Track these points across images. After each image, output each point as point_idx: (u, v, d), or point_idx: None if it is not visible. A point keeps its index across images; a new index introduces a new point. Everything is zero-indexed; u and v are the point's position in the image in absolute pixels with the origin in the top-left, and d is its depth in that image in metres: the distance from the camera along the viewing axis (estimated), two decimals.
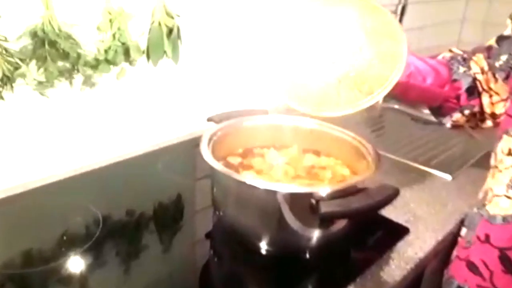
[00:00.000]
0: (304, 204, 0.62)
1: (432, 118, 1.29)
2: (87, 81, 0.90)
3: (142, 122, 1.02)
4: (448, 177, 0.98)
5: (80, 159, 0.93)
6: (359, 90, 0.72)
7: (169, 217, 0.84)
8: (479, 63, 0.83)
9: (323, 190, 0.62)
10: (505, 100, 0.80)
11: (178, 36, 0.97)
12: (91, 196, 0.84)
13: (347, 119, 1.26)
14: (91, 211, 0.79)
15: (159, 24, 0.93)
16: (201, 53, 1.08)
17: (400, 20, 1.35)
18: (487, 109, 0.84)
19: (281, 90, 0.79)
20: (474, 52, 0.86)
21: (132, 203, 0.83)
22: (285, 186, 0.67)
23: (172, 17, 0.94)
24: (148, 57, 0.94)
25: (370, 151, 0.74)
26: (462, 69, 0.83)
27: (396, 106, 1.38)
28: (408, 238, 0.77)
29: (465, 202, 0.89)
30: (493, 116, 0.84)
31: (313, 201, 0.61)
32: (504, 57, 0.78)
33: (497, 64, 0.80)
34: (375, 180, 0.66)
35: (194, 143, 1.06)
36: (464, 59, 0.85)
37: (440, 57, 0.88)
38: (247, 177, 0.70)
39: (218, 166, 0.67)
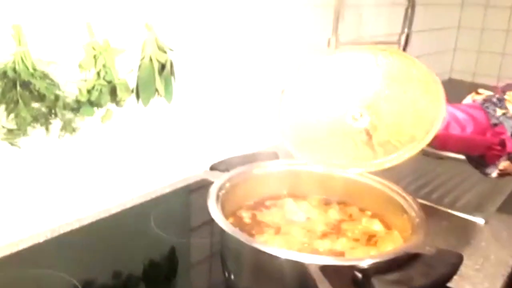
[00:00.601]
0: (343, 278, 0.50)
1: (445, 153, 1.22)
2: (67, 126, 0.77)
3: (131, 171, 0.89)
4: (480, 221, 0.87)
5: (57, 218, 0.79)
6: (392, 144, 0.62)
7: (162, 275, 0.71)
8: None
9: (368, 260, 0.49)
10: None
11: (172, 72, 0.85)
12: (70, 262, 0.70)
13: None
14: (66, 280, 0.65)
15: (150, 59, 0.82)
16: (197, 91, 0.96)
17: (404, 49, 1.27)
18: None
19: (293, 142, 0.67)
20: (504, 90, 0.77)
21: (118, 264, 0.71)
22: (317, 258, 0.53)
23: (165, 51, 0.83)
24: (137, 96, 0.82)
25: (410, 202, 0.63)
26: (500, 112, 0.74)
27: None
28: None
29: (507, 251, 0.78)
30: None
31: (358, 275, 0.49)
32: None
33: None
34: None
35: (188, 190, 0.94)
36: (499, 100, 0.76)
37: (468, 101, 0.80)
38: (268, 246, 0.57)
39: (231, 229, 0.55)
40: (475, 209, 0.92)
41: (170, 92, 0.87)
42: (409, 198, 0.64)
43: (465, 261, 0.74)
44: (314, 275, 0.50)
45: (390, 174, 1.08)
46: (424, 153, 1.23)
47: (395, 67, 0.67)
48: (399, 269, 0.49)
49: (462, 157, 1.17)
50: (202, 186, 0.95)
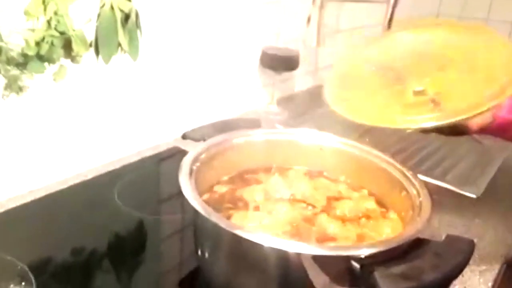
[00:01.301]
0: (338, 269, 0.42)
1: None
2: (12, 84, 0.65)
3: (91, 137, 0.78)
4: (472, 195, 0.82)
5: (4, 191, 0.69)
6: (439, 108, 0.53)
7: (129, 251, 0.63)
8: None
9: (367, 249, 0.42)
10: None
11: (137, 24, 0.73)
12: (19, 242, 0.61)
13: (330, 125, 1.11)
14: (13, 265, 0.55)
15: (112, 7, 0.70)
16: (167, 46, 0.85)
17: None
18: None
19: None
20: None
21: (79, 240, 0.62)
22: (306, 246, 0.45)
23: None
24: (97, 51, 0.71)
25: (410, 178, 0.55)
26: None
27: None
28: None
29: (504, 227, 0.73)
30: None
31: (356, 265, 0.41)
32: None
33: None
34: None
35: (157, 159, 0.85)
36: None
37: None
38: (250, 232, 0.48)
39: (206, 210, 0.46)
40: (466, 182, 0.86)
41: (136, 48, 0.76)
42: (408, 173, 0.56)
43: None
44: (306, 266, 0.42)
45: (372, 144, 1.02)
46: None
47: (456, 38, 0.59)
48: (404, 259, 0.42)
49: None
50: (173, 155, 0.86)
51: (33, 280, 0.55)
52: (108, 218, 0.68)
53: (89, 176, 0.77)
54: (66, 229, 0.65)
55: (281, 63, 1.05)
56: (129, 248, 0.64)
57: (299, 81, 1.24)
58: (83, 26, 0.67)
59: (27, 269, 0.56)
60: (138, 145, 0.86)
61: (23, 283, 0.54)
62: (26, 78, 0.66)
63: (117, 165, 0.81)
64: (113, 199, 0.71)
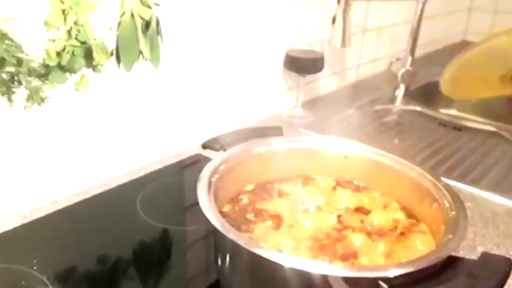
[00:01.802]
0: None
1: (463, 122, 1.11)
2: (34, 95, 0.65)
3: (114, 146, 0.78)
4: (509, 202, 0.77)
5: (28, 201, 0.69)
6: None
7: (155, 258, 0.63)
8: None
9: (396, 270, 0.39)
10: None
11: (158, 32, 0.73)
12: (42, 254, 0.61)
13: (356, 129, 1.07)
14: (34, 277, 0.55)
15: (132, 15, 0.69)
16: (188, 54, 0.84)
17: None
18: None
19: None
20: None
21: (102, 250, 0.62)
22: (329, 267, 0.43)
23: (149, 6, 0.70)
24: (118, 60, 0.70)
25: (441, 189, 0.52)
26: None
27: (418, 109, 1.17)
28: None
29: None
30: None
31: (384, 286, 0.39)
32: None
33: None
34: None
35: (180, 166, 0.84)
36: None
37: None
38: (271, 251, 0.46)
39: (225, 228, 0.44)
40: (502, 188, 0.82)
41: (157, 55, 0.75)
42: (440, 184, 0.53)
43: (495, 252, 0.64)
44: (334, 286, 0.40)
45: (402, 148, 0.99)
46: (440, 123, 1.12)
47: None
48: (436, 280, 0.39)
49: (483, 126, 1.07)
50: (196, 162, 0.85)
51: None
52: (131, 228, 0.68)
53: (113, 185, 0.77)
54: (89, 240, 0.65)
55: (306, 65, 1.02)
56: (151, 259, 0.63)
57: (324, 83, 1.21)
58: (103, 35, 0.67)
59: (47, 281, 0.56)
60: (161, 153, 0.85)
61: None
62: (48, 89, 0.66)
63: (140, 173, 0.80)
64: (136, 208, 0.71)
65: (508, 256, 0.43)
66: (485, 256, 0.42)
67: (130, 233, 0.66)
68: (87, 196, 0.73)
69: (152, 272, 0.60)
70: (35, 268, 0.58)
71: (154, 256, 0.64)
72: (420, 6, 1.13)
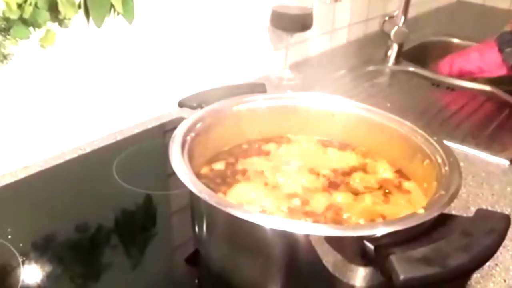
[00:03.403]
0: (349, 251, 0.37)
1: (456, 82, 1.07)
2: None
3: (88, 109, 0.73)
4: (505, 162, 0.74)
5: None
6: None
7: (133, 225, 0.60)
8: None
9: (382, 228, 0.36)
10: None
11: None
12: (12, 223, 0.57)
13: (347, 91, 1.03)
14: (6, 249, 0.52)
15: None
16: (166, 9, 0.78)
17: None
18: None
19: None
20: None
21: (76, 218, 0.58)
22: (312, 227, 0.39)
23: None
24: (87, 13, 0.65)
25: (434, 145, 0.49)
26: None
27: (411, 69, 1.12)
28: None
29: None
30: None
31: (370, 246, 0.36)
32: None
33: None
34: None
35: (161, 130, 0.80)
36: None
37: None
38: (251, 211, 0.43)
39: (198, 188, 0.40)
40: (496, 147, 0.78)
41: (131, 9, 0.70)
42: (432, 139, 0.49)
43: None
44: (314, 246, 0.37)
45: (394, 109, 0.94)
46: (433, 83, 1.08)
47: None
48: (427, 239, 0.36)
49: (477, 86, 1.03)
50: (178, 125, 0.81)
51: (25, 262, 0.51)
52: (106, 195, 0.64)
53: (88, 150, 0.72)
54: (63, 208, 0.61)
55: (293, 22, 0.97)
56: (129, 226, 0.60)
57: (314, 43, 1.16)
58: None
59: (16, 252, 0.52)
60: (140, 116, 0.81)
61: (16, 267, 0.51)
62: (10, 45, 0.61)
63: (117, 137, 0.76)
64: (113, 174, 0.67)
65: None
66: (480, 213, 0.38)
67: (106, 199, 0.63)
68: (61, 161, 0.69)
69: (131, 239, 0.57)
70: (9, 237, 0.54)
71: (133, 222, 0.61)
72: None
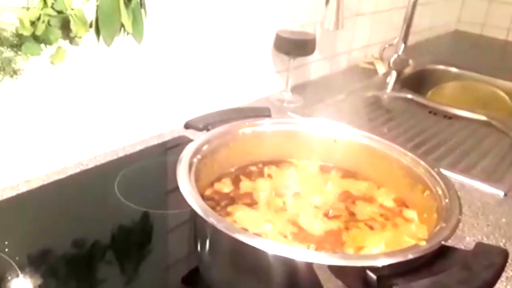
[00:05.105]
0: (352, 280, 0.38)
1: (453, 111, 1.08)
2: (6, 67, 0.61)
3: (92, 124, 0.74)
4: (500, 192, 0.76)
5: (0, 180, 0.65)
6: None
7: (132, 242, 0.60)
8: None
9: (385, 259, 0.37)
10: None
11: (142, 4, 0.69)
12: (13, 236, 0.57)
13: (346, 115, 1.04)
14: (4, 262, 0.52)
15: None
16: (173, 28, 0.80)
17: None
18: None
19: None
20: None
21: (76, 233, 0.59)
22: (315, 255, 0.41)
23: None
24: (97, 32, 0.66)
25: (435, 176, 0.50)
26: None
27: (410, 96, 1.15)
28: None
29: None
30: None
31: (372, 276, 0.36)
32: None
33: None
34: None
35: (162, 148, 0.81)
36: None
37: None
38: (254, 236, 0.43)
39: (204, 211, 0.41)
40: (492, 177, 0.80)
41: (140, 29, 0.71)
42: (434, 170, 0.51)
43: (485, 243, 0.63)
44: (319, 275, 0.37)
45: (391, 136, 0.96)
46: (430, 111, 1.10)
47: None
48: (428, 271, 0.37)
49: (474, 116, 1.05)
50: (180, 144, 0.81)
51: (21, 275, 0.51)
52: (107, 211, 0.64)
53: (90, 166, 0.73)
54: (63, 222, 0.61)
55: (296, 47, 0.99)
56: (128, 244, 0.60)
57: (315, 67, 1.18)
58: (82, 5, 0.63)
59: (14, 264, 0.53)
60: (143, 133, 0.82)
61: (12, 279, 0.51)
62: (21, 61, 0.62)
63: (120, 154, 0.77)
64: (114, 190, 0.67)
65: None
66: (480, 247, 0.39)
67: (106, 216, 0.63)
68: (62, 176, 0.69)
69: (129, 257, 0.57)
70: (6, 250, 0.55)
71: (132, 240, 0.61)
72: None
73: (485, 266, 0.37)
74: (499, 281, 0.55)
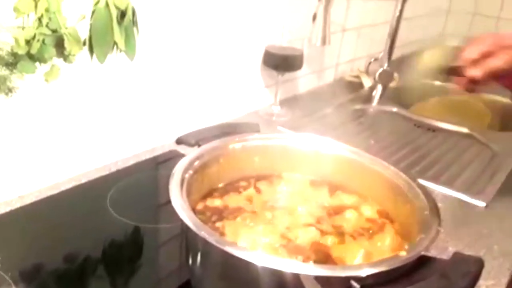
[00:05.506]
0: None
1: (437, 124, 1.12)
2: (1, 85, 0.63)
3: (84, 140, 0.75)
4: (481, 204, 0.78)
5: None
6: None
7: (125, 257, 0.61)
8: None
9: (368, 269, 0.39)
10: None
11: (134, 23, 0.71)
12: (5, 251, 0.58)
13: (334, 128, 1.07)
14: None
15: (107, 4, 0.67)
16: (165, 45, 0.82)
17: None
18: None
19: None
20: None
21: (69, 248, 0.60)
22: (301, 265, 0.43)
23: None
24: (91, 50, 0.68)
25: (416, 189, 0.52)
26: None
27: (395, 109, 1.18)
28: None
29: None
30: None
31: (356, 286, 0.38)
32: None
33: None
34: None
35: (154, 162, 0.82)
36: None
37: None
38: (244, 248, 0.45)
39: (195, 225, 0.43)
40: (474, 189, 0.83)
41: (133, 47, 0.73)
42: (414, 183, 0.53)
43: (466, 252, 0.65)
44: (306, 285, 0.39)
45: (378, 148, 0.99)
46: (415, 123, 1.13)
47: None
48: (408, 280, 0.39)
49: (457, 128, 1.09)
50: (171, 158, 0.83)
51: None
52: (100, 226, 0.65)
53: (82, 181, 0.74)
54: (56, 237, 0.62)
55: (285, 62, 1.02)
56: (120, 258, 0.61)
57: (303, 81, 1.21)
58: (76, 24, 0.65)
59: (9, 279, 0.54)
60: (134, 148, 0.83)
61: None
62: (16, 79, 0.64)
63: (112, 169, 0.78)
64: (106, 205, 0.69)
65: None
66: (457, 256, 0.42)
67: (99, 231, 0.64)
68: (55, 191, 0.71)
69: (121, 271, 0.58)
70: (0, 265, 0.56)
71: (124, 255, 0.62)
72: (399, 6, 1.13)
73: (462, 274, 0.39)
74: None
